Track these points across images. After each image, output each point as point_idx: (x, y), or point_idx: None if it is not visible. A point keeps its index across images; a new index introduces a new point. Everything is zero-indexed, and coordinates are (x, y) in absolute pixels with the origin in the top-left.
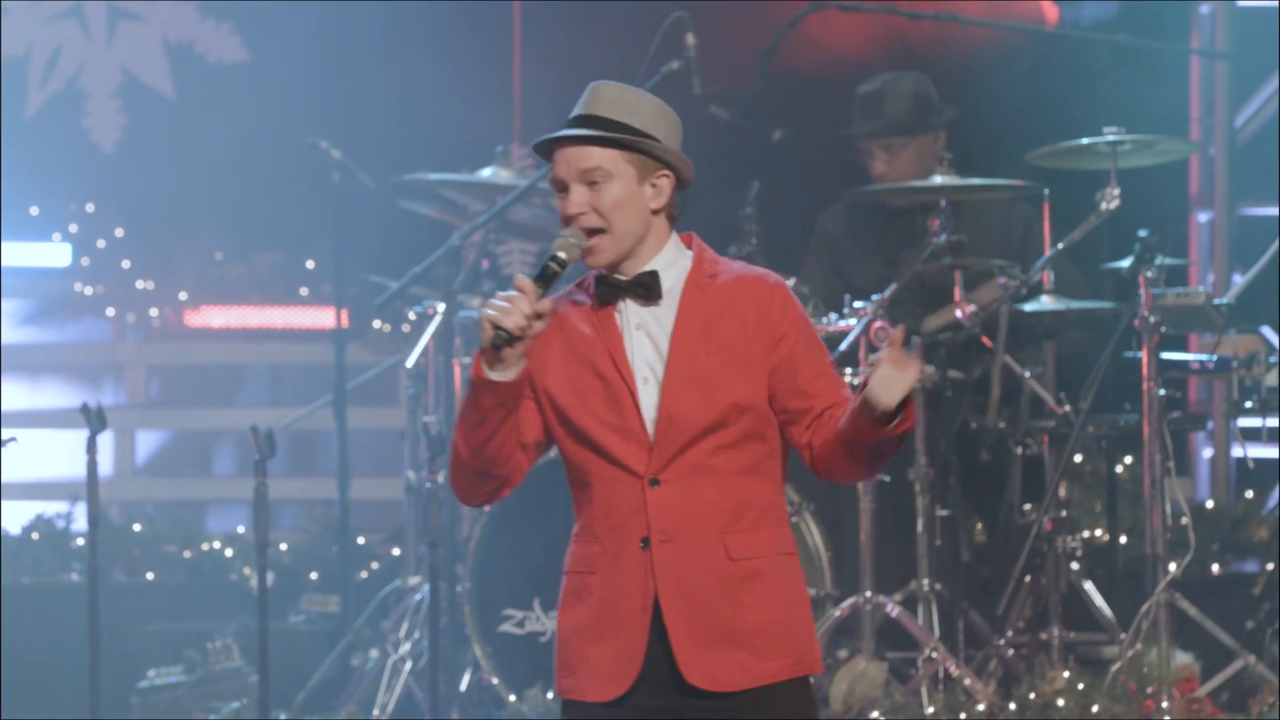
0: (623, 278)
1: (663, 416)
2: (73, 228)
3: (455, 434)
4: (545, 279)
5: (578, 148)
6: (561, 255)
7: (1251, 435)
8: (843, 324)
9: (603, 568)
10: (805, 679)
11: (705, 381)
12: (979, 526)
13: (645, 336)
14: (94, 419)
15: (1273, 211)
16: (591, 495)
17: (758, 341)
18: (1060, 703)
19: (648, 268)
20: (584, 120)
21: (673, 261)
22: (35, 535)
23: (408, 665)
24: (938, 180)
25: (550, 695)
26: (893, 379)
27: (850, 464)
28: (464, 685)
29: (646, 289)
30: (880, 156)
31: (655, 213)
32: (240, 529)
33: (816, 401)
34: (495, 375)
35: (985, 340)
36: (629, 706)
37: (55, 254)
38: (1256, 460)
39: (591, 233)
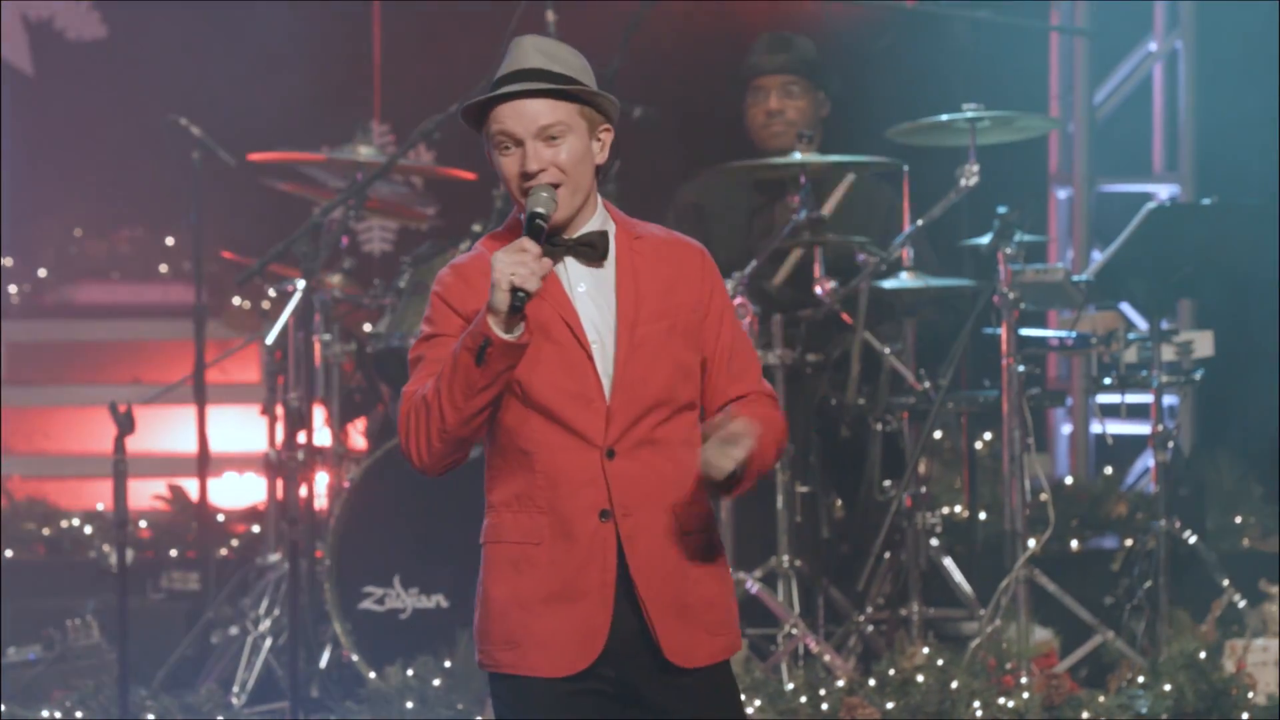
0: (566, 237)
1: (620, 384)
2: None
3: (435, 403)
4: (536, 237)
5: (537, 102)
6: (542, 211)
7: (1110, 412)
8: None
9: (549, 539)
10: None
11: (654, 348)
12: (839, 503)
13: (589, 299)
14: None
15: (1131, 188)
16: (533, 463)
17: (692, 309)
18: (920, 678)
19: (588, 228)
20: (530, 74)
21: (605, 221)
22: None
23: (267, 642)
24: (797, 157)
25: (447, 664)
26: (722, 452)
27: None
28: (324, 662)
29: (594, 248)
30: (775, 96)
31: (597, 169)
32: (99, 506)
33: (716, 387)
34: (511, 337)
35: (845, 317)
36: (587, 679)
37: None
38: (1115, 436)
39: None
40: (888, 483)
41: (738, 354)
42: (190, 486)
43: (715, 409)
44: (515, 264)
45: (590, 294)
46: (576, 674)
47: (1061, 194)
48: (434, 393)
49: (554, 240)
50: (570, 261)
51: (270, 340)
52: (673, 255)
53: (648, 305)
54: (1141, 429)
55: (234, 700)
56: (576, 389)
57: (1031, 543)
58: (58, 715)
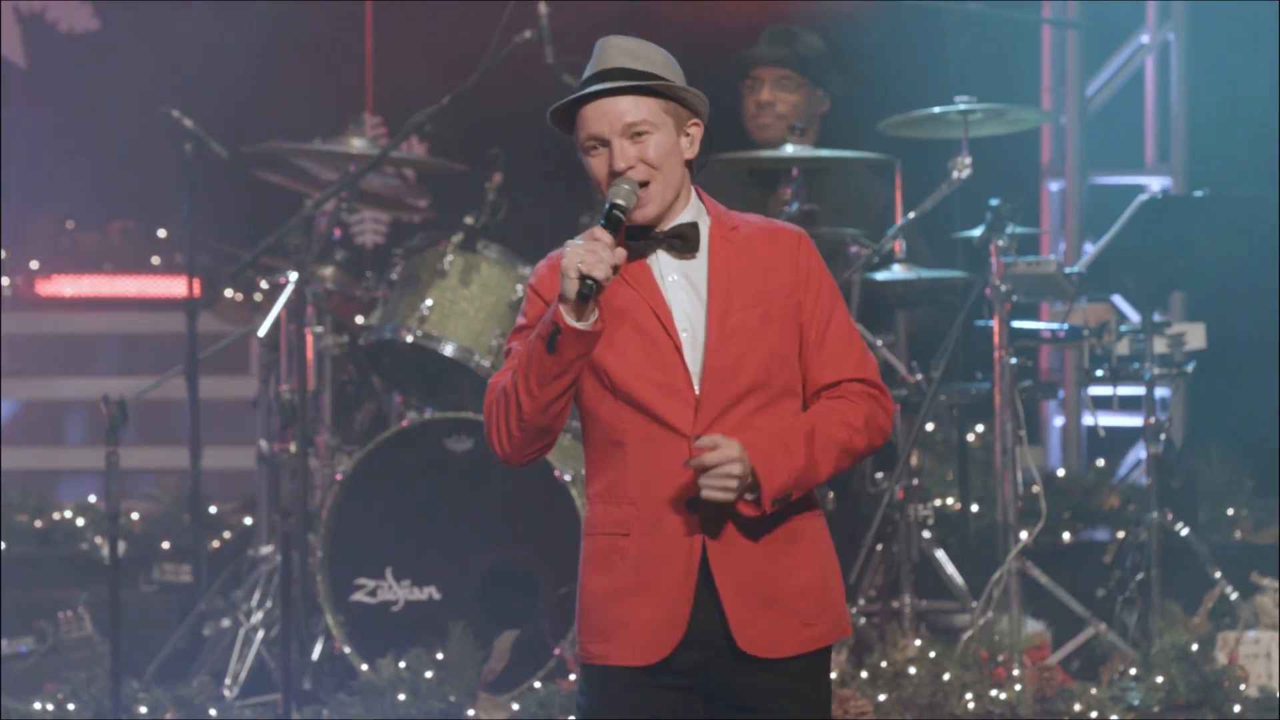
0: (656, 230)
1: (709, 374)
2: None
3: (512, 392)
4: (612, 228)
5: (621, 101)
6: (621, 203)
7: (1102, 404)
8: None
9: (639, 529)
10: (833, 645)
11: (747, 336)
12: (830, 495)
13: (681, 290)
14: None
15: (1123, 180)
16: (625, 455)
17: (789, 294)
18: (912, 671)
19: (681, 219)
20: (614, 74)
21: (699, 213)
22: None
23: (260, 634)
24: (789, 150)
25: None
26: (712, 484)
27: None
28: (316, 654)
29: (685, 240)
30: (768, 88)
31: (687, 163)
32: (92, 498)
33: (812, 374)
34: (582, 325)
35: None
36: (669, 672)
37: None
38: (1107, 429)
39: (640, 185)
40: (880, 475)
41: (833, 340)
42: (182, 478)
43: (810, 395)
44: (585, 251)
45: (682, 285)
46: (657, 663)
47: (1054, 186)
48: (512, 383)
49: (646, 233)
50: (662, 254)
51: (263, 332)
52: (767, 242)
53: (740, 294)
54: (1134, 421)
55: (226, 692)
56: (664, 379)
57: (1023, 535)
58: (50, 708)
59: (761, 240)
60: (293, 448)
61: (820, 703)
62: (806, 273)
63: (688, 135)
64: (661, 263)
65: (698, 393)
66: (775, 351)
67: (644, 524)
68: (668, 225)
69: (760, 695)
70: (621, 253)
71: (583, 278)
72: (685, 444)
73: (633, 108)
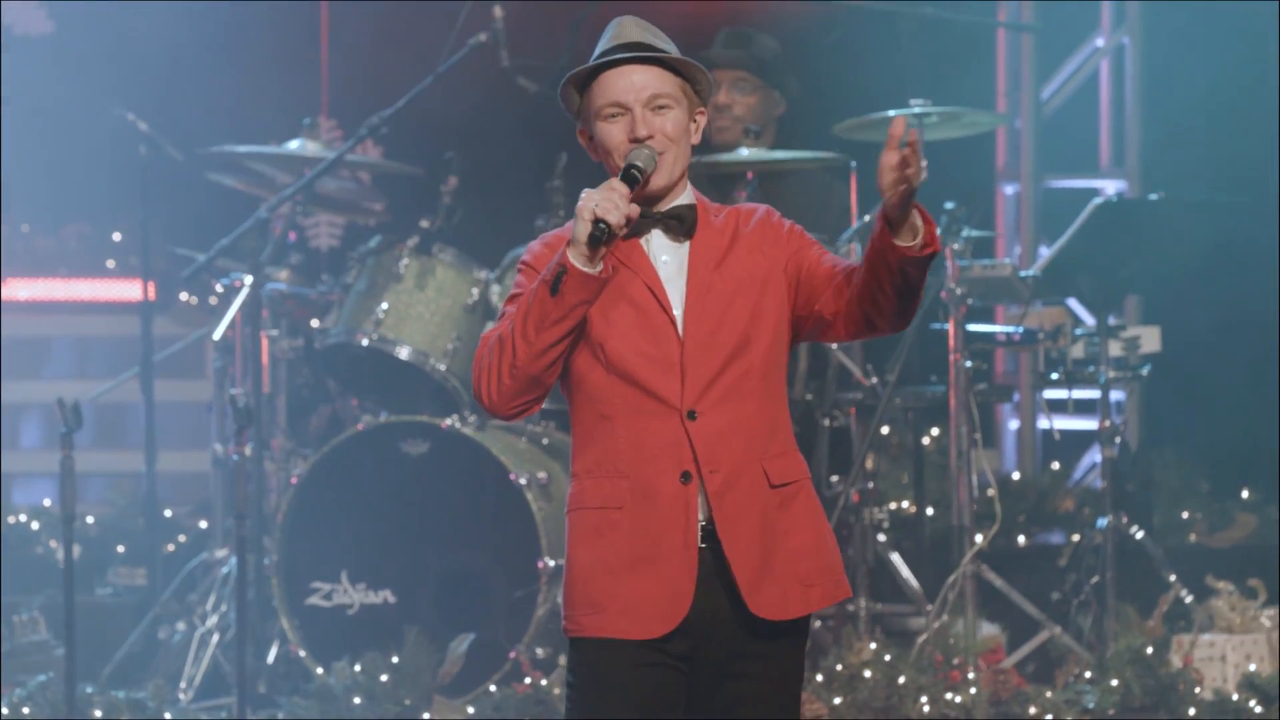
0: (655, 210)
1: (690, 343)
2: None
3: (509, 338)
4: (629, 185)
5: (646, 72)
6: (640, 165)
7: (1057, 407)
8: None
9: (631, 503)
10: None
11: (724, 300)
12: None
13: (674, 270)
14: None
15: (1078, 184)
16: (615, 429)
17: (772, 261)
18: (867, 674)
19: (679, 201)
20: (636, 48)
21: (692, 199)
22: None
23: (215, 638)
24: (744, 153)
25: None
26: (897, 176)
27: (881, 297)
28: (271, 658)
29: (682, 221)
30: (724, 90)
31: (690, 150)
32: (46, 502)
33: (832, 272)
34: (590, 269)
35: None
36: (675, 642)
37: None
38: (1062, 432)
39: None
40: (835, 478)
41: (830, 259)
42: (137, 482)
43: (836, 288)
44: (602, 197)
45: (673, 266)
46: (660, 638)
47: (1008, 190)
48: (508, 330)
49: (645, 212)
50: (656, 236)
51: (217, 336)
52: (743, 220)
53: (721, 271)
54: (1089, 424)
55: (181, 696)
56: (656, 353)
57: (979, 538)
58: (4, 711)
59: (736, 221)
60: (248, 451)
61: (801, 663)
62: (786, 235)
63: (695, 122)
64: (654, 243)
65: (681, 363)
66: (755, 309)
67: (636, 497)
68: (666, 207)
69: (756, 660)
70: (635, 208)
71: (596, 221)
72: (676, 416)
73: (657, 80)
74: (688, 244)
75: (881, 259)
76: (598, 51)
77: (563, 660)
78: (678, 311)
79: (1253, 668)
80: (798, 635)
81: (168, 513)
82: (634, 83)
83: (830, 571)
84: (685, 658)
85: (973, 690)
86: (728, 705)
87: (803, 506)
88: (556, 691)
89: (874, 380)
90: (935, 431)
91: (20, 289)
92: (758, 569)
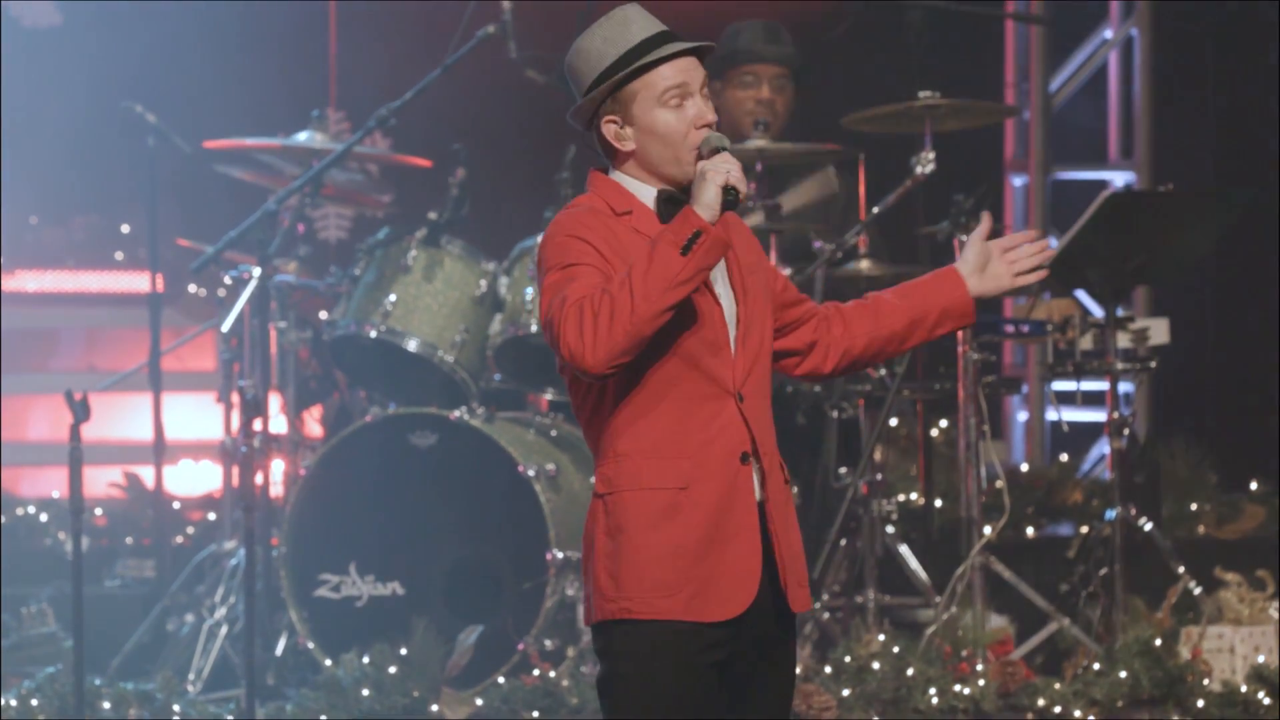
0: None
1: (743, 331)
2: None
3: (625, 296)
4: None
5: (697, 62)
6: (726, 144)
7: (1066, 399)
8: None
9: (697, 483)
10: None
11: (758, 298)
12: (795, 490)
13: None
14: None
15: (1087, 176)
16: (670, 409)
17: (761, 264)
18: (876, 666)
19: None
20: (672, 37)
21: None
22: None
23: (223, 630)
24: (753, 144)
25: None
26: (1000, 272)
27: (892, 350)
28: (279, 650)
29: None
30: (768, 86)
31: None
32: (55, 494)
33: (804, 305)
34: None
35: None
36: (744, 625)
37: None
38: (1071, 424)
39: None
40: (844, 470)
41: (792, 287)
42: (146, 474)
43: (812, 322)
44: (730, 166)
45: None
46: (735, 618)
47: (1017, 181)
48: (622, 286)
49: (679, 200)
50: None
51: (226, 327)
52: (732, 219)
53: (743, 260)
54: (1097, 416)
55: (190, 688)
56: (711, 336)
57: (987, 530)
58: (13, 703)
59: (730, 219)
60: (256, 443)
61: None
62: (755, 239)
63: None
64: None
65: (734, 348)
66: (770, 316)
67: (699, 477)
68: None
69: (786, 650)
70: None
71: (727, 187)
72: (731, 398)
73: (701, 68)
74: None
75: (932, 326)
76: (629, 41)
77: (571, 652)
78: (720, 290)
79: (1261, 659)
80: (794, 631)
81: (176, 505)
82: (694, 70)
83: (807, 578)
84: (732, 640)
85: (981, 682)
86: (757, 691)
87: (794, 511)
88: (565, 684)
89: (882, 372)
90: (944, 423)
91: (28, 281)
92: (791, 559)
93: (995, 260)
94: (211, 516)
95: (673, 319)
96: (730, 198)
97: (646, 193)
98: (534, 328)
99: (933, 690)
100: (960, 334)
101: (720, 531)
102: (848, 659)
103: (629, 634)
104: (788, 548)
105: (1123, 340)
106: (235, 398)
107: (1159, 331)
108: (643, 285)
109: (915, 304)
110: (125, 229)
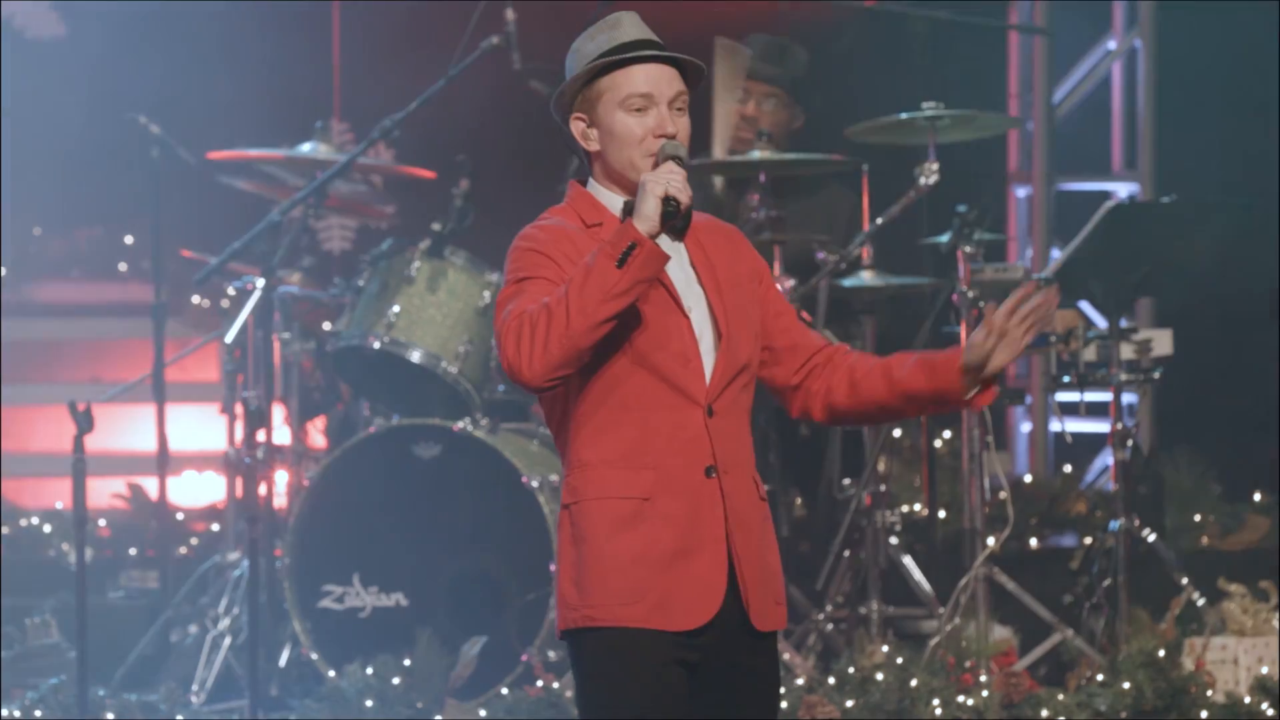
0: None
1: (724, 347)
2: None
3: (561, 309)
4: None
5: (671, 71)
6: (681, 155)
7: (1069, 410)
8: None
9: (661, 494)
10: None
11: (741, 314)
12: (798, 501)
13: (678, 269)
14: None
15: (1090, 186)
16: (639, 420)
17: (750, 278)
18: (879, 676)
19: None
20: (653, 46)
21: None
22: None
23: (227, 641)
24: (756, 155)
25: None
26: (1002, 346)
27: (882, 416)
28: (283, 661)
29: (684, 222)
30: (754, 103)
31: None
32: (58, 505)
33: (798, 341)
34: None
35: (804, 315)
36: (705, 637)
37: None
38: (1074, 435)
39: None
40: (847, 481)
41: (790, 313)
42: (149, 485)
43: (805, 358)
44: (673, 176)
45: (676, 264)
46: (687, 631)
47: (1020, 192)
48: (559, 300)
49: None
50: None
51: (229, 339)
52: (717, 233)
53: (723, 275)
54: (1101, 427)
55: (193, 699)
56: (678, 348)
57: (990, 541)
58: (17, 714)
59: (715, 229)
60: (259, 454)
61: (779, 677)
62: (756, 259)
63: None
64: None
65: (712, 362)
66: (755, 332)
67: (664, 489)
68: None
69: (754, 667)
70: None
71: (667, 199)
72: (699, 411)
73: (679, 81)
74: (682, 244)
75: (924, 403)
76: (612, 43)
77: None
78: (688, 304)
79: (1265, 670)
80: (774, 648)
81: (180, 516)
82: (663, 79)
83: (784, 598)
84: (702, 655)
85: (985, 693)
86: (729, 707)
87: (772, 530)
88: (569, 694)
89: None
90: (947, 434)
91: (33, 292)
92: (757, 576)
93: (997, 342)
94: (215, 528)
95: (638, 330)
96: (670, 209)
97: (617, 203)
98: None
99: (936, 701)
100: (964, 344)
101: (685, 543)
102: (851, 670)
103: (594, 641)
104: (751, 565)
105: (1126, 351)
106: (239, 409)
107: (1162, 343)
108: (579, 298)
109: (915, 386)
110: (129, 240)
